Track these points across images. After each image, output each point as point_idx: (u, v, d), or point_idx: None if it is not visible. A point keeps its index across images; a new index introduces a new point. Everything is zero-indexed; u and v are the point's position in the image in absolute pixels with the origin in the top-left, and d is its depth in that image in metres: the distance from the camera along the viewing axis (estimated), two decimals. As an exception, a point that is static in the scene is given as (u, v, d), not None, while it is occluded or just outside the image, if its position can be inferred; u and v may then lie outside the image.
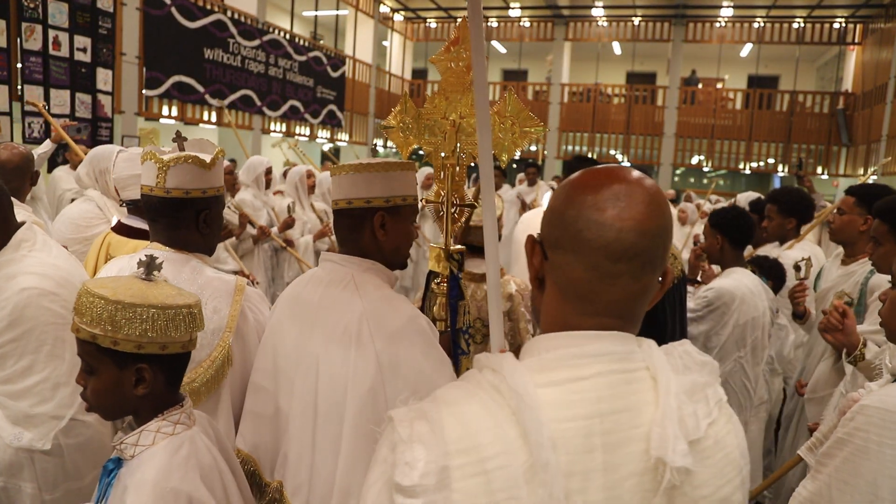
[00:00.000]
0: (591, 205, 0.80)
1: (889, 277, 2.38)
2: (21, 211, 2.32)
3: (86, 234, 2.80)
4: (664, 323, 2.21)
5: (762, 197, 5.04)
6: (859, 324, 2.72)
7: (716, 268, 3.10)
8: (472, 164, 1.56)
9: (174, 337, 1.21)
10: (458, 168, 1.55)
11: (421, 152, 1.55)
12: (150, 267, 1.27)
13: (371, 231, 1.45)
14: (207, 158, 1.60)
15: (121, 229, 2.29)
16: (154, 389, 1.23)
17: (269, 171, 4.83)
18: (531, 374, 0.78)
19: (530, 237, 0.87)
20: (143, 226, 2.26)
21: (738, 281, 2.75)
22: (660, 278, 0.84)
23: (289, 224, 4.59)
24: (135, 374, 1.21)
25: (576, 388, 0.76)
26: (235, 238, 4.29)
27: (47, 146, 4.71)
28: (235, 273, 4.07)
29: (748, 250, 4.22)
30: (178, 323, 1.21)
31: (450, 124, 1.40)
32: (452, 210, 1.62)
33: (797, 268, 2.89)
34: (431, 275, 1.73)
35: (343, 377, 1.33)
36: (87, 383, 1.23)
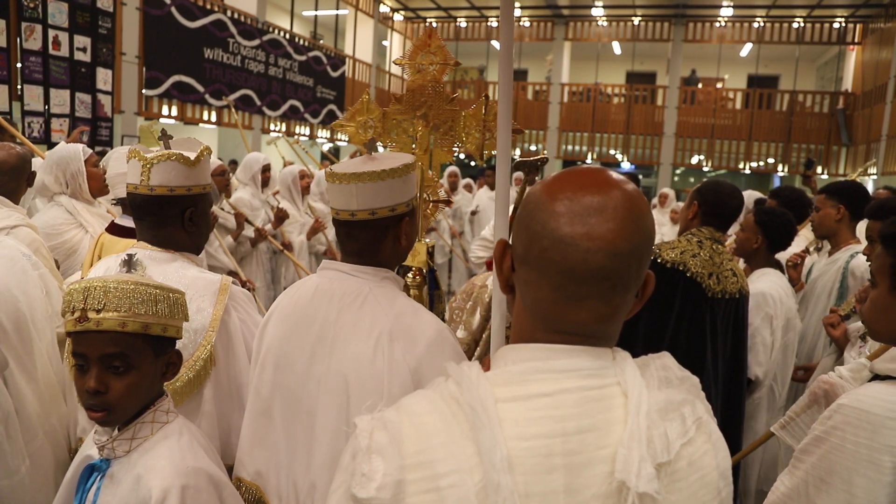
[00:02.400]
0: (558, 220, 0.74)
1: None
2: (14, 213, 2.33)
3: (55, 242, 2.72)
4: (702, 352, 2.13)
5: (766, 197, 5.13)
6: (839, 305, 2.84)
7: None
8: (447, 163, 1.57)
9: (181, 323, 1.27)
10: (430, 166, 1.55)
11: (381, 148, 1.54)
12: (130, 266, 1.28)
13: (395, 239, 1.38)
14: (192, 156, 1.59)
15: (113, 229, 2.30)
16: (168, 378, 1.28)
17: (266, 169, 4.62)
18: (493, 388, 0.74)
19: (502, 242, 0.83)
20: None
21: (774, 283, 2.74)
22: (637, 293, 0.79)
23: (280, 217, 4.35)
24: (165, 361, 1.25)
25: (539, 404, 0.72)
26: (233, 240, 4.14)
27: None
28: (232, 276, 4.04)
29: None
30: (182, 309, 1.26)
31: (422, 125, 1.41)
32: (424, 207, 1.60)
33: (806, 251, 3.00)
34: (402, 269, 1.70)
35: (378, 398, 1.24)
36: (109, 387, 1.18)
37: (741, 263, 3.26)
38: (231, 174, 4.85)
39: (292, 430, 1.35)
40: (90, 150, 2.91)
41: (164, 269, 1.58)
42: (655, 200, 9.16)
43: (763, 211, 2.85)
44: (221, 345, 1.58)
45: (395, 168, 1.32)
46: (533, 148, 16.83)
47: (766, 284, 2.71)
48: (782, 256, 3.44)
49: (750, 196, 5.22)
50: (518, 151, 16.91)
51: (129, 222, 2.29)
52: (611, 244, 0.72)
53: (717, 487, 0.77)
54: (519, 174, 8.88)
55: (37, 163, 3.82)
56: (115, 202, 2.42)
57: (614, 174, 0.79)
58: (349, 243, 1.38)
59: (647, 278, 0.80)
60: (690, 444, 0.75)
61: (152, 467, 1.18)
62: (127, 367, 1.18)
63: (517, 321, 0.82)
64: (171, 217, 1.61)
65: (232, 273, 4.03)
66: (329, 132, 13.65)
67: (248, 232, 4.26)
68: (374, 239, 1.36)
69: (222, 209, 4.10)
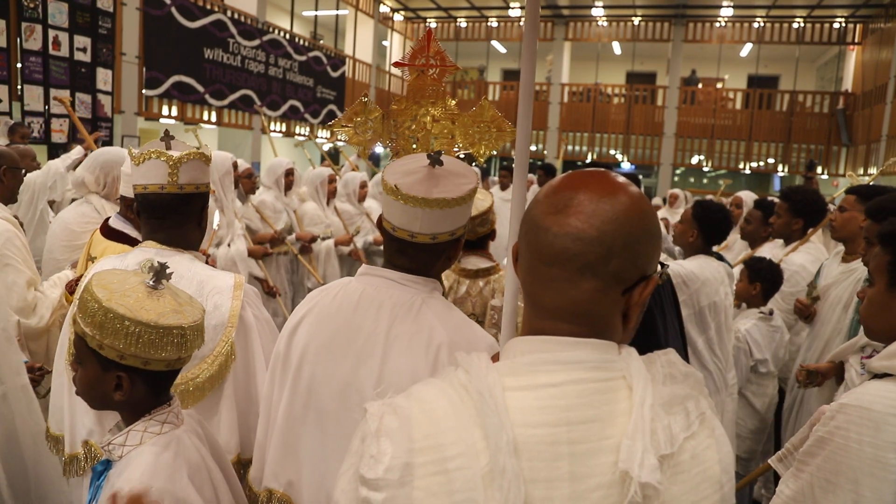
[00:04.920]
0: (539, 209, 0.81)
1: None
2: None
3: (82, 241, 2.72)
4: (655, 327, 2.18)
5: (768, 198, 5.08)
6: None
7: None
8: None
9: (157, 356, 1.20)
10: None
11: (378, 150, 1.54)
12: (159, 275, 1.26)
13: (446, 259, 1.36)
14: (207, 153, 1.66)
15: (104, 231, 2.29)
16: (133, 397, 1.24)
17: (289, 173, 4.65)
18: (501, 377, 0.77)
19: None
20: (125, 229, 2.27)
21: (701, 265, 2.80)
22: (624, 289, 0.79)
23: (305, 249, 4.51)
24: (115, 379, 1.22)
25: (545, 394, 0.75)
26: (252, 244, 4.19)
27: (79, 152, 4.81)
28: (260, 281, 4.06)
29: (744, 249, 4.26)
30: (164, 343, 1.19)
31: (422, 127, 1.41)
32: None
33: (811, 288, 2.99)
34: None
35: None
36: (76, 370, 1.26)
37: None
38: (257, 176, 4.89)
39: (328, 441, 1.32)
40: None
41: (176, 266, 1.55)
42: (658, 200, 9.16)
43: (700, 205, 2.92)
44: (239, 340, 1.59)
45: (463, 196, 1.28)
46: (533, 148, 16.83)
47: (690, 264, 2.80)
48: (794, 262, 3.37)
49: (748, 197, 5.17)
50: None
51: (121, 225, 2.29)
52: (575, 228, 0.77)
53: (719, 482, 0.78)
54: (531, 176, 8.90)
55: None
56: (119, 201, 2.42)
57: (615, 177, 0.82)
58: (400, 258, 1.34)
59: (649, 281, 0.81)
60: (693, 437, 0.77)
61: (124, 481, 1.17)
62: (78, 360, 1.25)
63: (524, 310, 0.86)
64: (193, 214, 1.66)
65: (259, 279, 4.08)
66: (330, 132, 13.65)
67: (267, 231, 4.35)
68: (427, 260, 1.34)
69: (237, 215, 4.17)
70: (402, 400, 0.79)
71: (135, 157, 1.61)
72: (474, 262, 2.47)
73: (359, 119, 1.42)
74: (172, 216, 1.63)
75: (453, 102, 1.42)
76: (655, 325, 2.18)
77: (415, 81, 1.41)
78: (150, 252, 1.60)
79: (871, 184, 3.27)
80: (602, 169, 0.85)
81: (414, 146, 1.47)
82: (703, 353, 2.79)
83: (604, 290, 0.78)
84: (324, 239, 4.73)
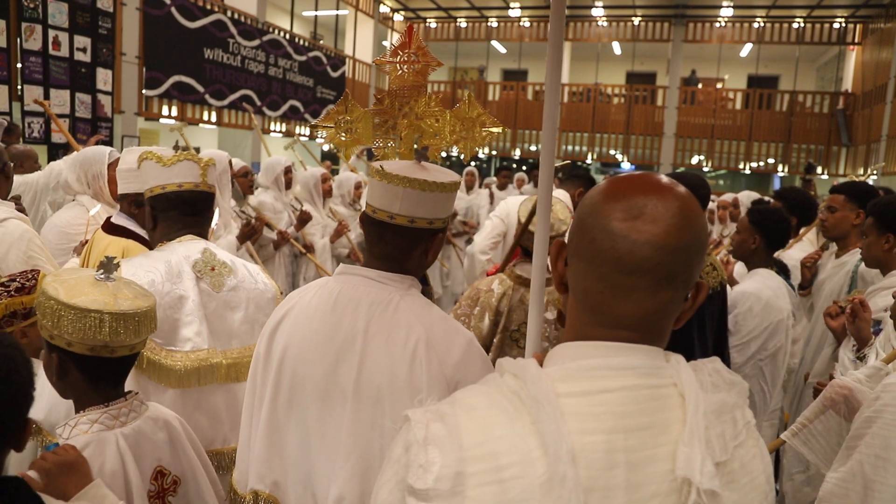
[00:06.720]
0: (609, 214, 0.77)
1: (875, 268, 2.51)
2: (2, 207, 2.34)
3: (72, 244, 2.72)
4: (690, 338, 2.17)
5: (764, 198, 5.19)
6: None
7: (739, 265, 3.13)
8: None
9: (76, 337, 1.23)
10: None
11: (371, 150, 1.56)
12: (107, 268, 1.31)
13: (423, 252, 1.36)
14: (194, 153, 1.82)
15: (107, 227, 2.30)
16: (70, 383, 1.28)
17: (288, 171, 4.54)
18: (554, 383, 0.75)
19: (558, 241, 0.86)
20: (129, 225, 2.29)
21: (763, 283, 2.69)
22: (688, 295, 0.80)
23: (303, 220, 4.33)
24: (54, 360, 1.29)
25: (600, 400, 0.73)
26: (252, 244, 4.08)
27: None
28: None
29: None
30: (82, 325, 1.23)
31: (405, 126, 1.42)
32: None
33: (824, 248, 3.00)
34: None
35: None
36: None
37: (738, 266, 3.30)
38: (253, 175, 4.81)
39: (312, 441, 1.33)
40: (117, 154, 2.86)
41: (227, 257, 1.81)
42: None
43: (756, 210, 2.80)
44: None
45: (445, 183, 1.30)
46: (533, 148, 16.84)
47: (752, 285, 2.67)
48: (792, 257, 3.47)
49: (748, 196, 5.26)
50: (518, 151, 16.93)
51: (124, 221, 2.30)
52: (657, 237, 0.75)
53: (764, 491, 0.78)
54: (522, 175, 8.88)
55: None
56: (120, 199, 2.42)
57: (667, 178, 0.81)
58: (378, 246, 1.35)
59: (699, 286, 0.81)
60: (741, 446, 0.76)
61: None
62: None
63: (570, 318, 0.84)
64: (212, 212, 1.86)
65: None
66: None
67: (271, 235, 4.24)
68: (405, 247, 1.34)
69: (244, 212, 4.10)
70: (446, 407, 0.77)
71: (166, 160, 1.72)
72: (530, 271, 2.38)
73: (341, 119, 1.44)
74: (205, 212, 1.80)
75: (433, 102, 1.43)
76: (691, 335, 2.18)
77: (397, 79, 1.42)
78: (201, 244, 1.76)
79: (854, 181, 3.36)
80: (645, 171, 0.85)
81: (392, 145, 1.48)
82: (751, 376, 2.65)
83: (675, 299, 0.78)
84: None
